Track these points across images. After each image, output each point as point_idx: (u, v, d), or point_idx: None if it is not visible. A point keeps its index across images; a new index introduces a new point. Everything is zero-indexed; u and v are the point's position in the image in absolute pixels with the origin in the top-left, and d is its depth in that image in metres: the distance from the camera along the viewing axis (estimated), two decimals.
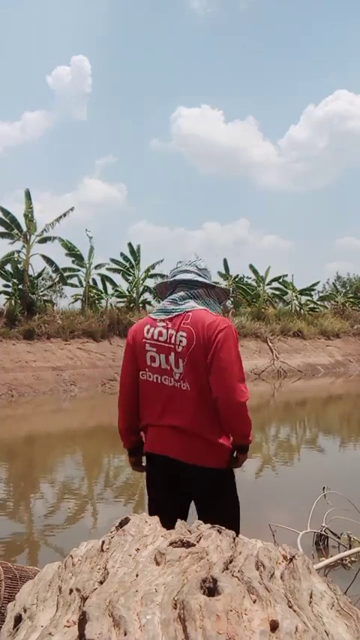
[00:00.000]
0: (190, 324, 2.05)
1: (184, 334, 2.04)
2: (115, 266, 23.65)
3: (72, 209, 20.59)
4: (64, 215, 20.28)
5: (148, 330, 2.13)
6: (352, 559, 3.68)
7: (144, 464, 2.33)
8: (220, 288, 2.26)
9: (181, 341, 2.04)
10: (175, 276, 2.20)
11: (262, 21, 69.91)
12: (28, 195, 19.76)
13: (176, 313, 2.09)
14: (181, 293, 2.14)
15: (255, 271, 28.21)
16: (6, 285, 21.11)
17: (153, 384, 2.12)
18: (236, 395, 2.02)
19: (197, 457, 2.08)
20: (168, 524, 1.57)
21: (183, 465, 2.08)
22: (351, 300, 31.74)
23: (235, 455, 2.21)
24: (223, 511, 2.09)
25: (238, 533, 1.55)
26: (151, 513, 1.91)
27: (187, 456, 2.08)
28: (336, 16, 71.13)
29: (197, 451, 2.08)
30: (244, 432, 2.14)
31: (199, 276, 2.18)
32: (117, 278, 23.96)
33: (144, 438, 2.26)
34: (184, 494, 2.19)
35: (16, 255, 19.83)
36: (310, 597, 1.24)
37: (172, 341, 2.05)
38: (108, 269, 23.49)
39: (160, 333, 2.09)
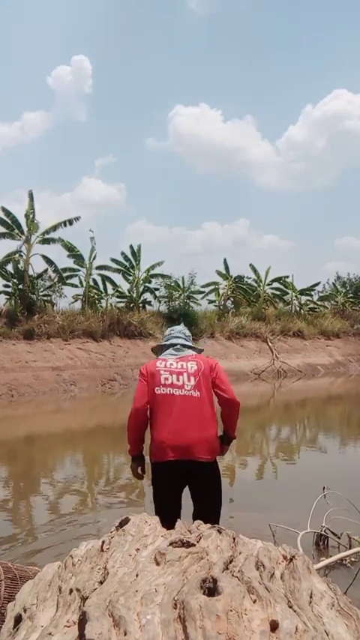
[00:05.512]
0: (196, 358, 3.01)
1: (195, 363, 2.97)
2: (115, 266, 23.66)
3: (78, 218, 20.78)
4: (70, 223, 20.41)
5: (161, 363, 2.98)
6: (352, 559, 3.67)
7: (139, 472, 3.05)
8: (197, 348, 3.20)
9: (192, 366, 2.95)
10: (170, 339, 3.16)
11: (261, 20, 69.66)
12: (31, 196, 19.84)
13: (182, 355, 3.04)
14: (179, 347, 3.09)
15: (255, 271, 28.25)
16: (6, 285, 21.13)
17: (166, 395, 2.88)
18: (236, 398, 2.97)
19: (208, 448, 2.82)
20: (175, 516, 2.15)
21: (197, 455, 2.78)
22: (351, 300, 31.74)
23: (222, 446, 3.01)
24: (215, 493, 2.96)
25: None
26: (162, 505, 2.77)
27: (201, 445, 2.79)
28: (335, 16, 70.94)
29: (208, 442, 2.82)
30: (235, 426, 3.04)
31: (186, 340, 3.18)
32: (117, 278, 23.99)
33: (155, 438, 2.85)
34: (184, 483, 2.85)
35: (16, 255, 19.86)
36: (310, 597, 1.24)
37: (184, 367, 2.94)
38: (108, 269, 23.51)
39: (172, 365, 2.96)
